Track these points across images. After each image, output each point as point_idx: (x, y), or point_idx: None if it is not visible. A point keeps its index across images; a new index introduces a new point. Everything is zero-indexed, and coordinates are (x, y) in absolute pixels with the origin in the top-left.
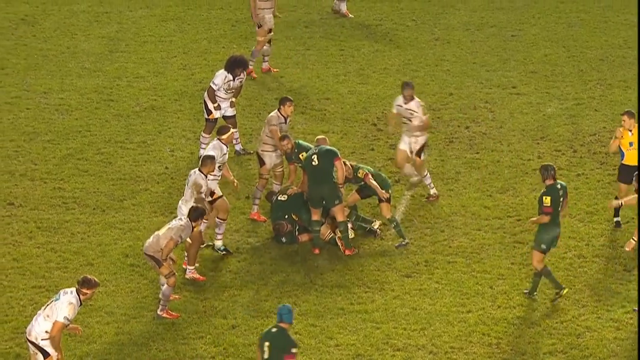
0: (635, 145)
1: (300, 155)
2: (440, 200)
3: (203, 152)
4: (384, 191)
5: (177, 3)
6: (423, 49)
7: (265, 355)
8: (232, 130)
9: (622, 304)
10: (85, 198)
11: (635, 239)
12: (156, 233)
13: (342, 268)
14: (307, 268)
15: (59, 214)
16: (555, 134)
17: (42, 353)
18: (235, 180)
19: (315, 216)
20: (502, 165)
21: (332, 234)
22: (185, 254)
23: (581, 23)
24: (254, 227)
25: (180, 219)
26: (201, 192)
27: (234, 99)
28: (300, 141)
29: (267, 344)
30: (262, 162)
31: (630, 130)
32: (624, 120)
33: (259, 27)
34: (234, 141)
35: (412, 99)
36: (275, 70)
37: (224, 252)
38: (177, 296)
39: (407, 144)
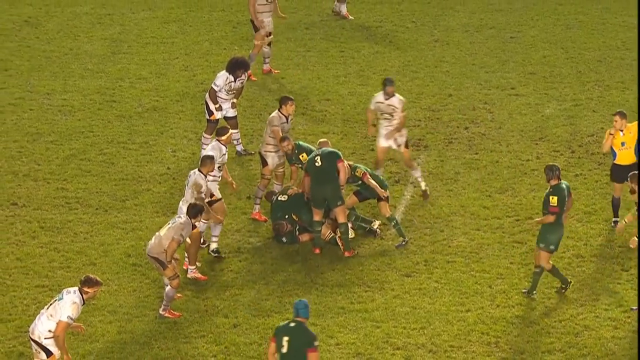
0: (628, 145)
1: (300, 157)
2: (440, 201)
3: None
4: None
5: (179, 5)
6: (423, 50)
7: (284, 350)
8: (231, 131)
9: (619, 303)
10: (88, 198)
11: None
12: (157, 234)
13: (342, 267)
14: (308, 267)
15: (62, 214)
16: (554, 135)
17: (45, 352)
18: (234, 182)
19: (317, 216)
20: (501, 165)
21: (333, 234)
22: (186, 254)
23: (579, 25)
24: (255, 227)
25: (180, 216)
26: (201, 192)
27: (235, 100)
28: (301, 142)
29: (286, 338)
30: (264, 163)
31: (622, 131)
32: (615, 121)
33: (256, 31)
34: (235, 142)
35: (393, 95)
36: (276, 71)
37: (216, 255)
38: (179, 294)
39: (388, 139)
